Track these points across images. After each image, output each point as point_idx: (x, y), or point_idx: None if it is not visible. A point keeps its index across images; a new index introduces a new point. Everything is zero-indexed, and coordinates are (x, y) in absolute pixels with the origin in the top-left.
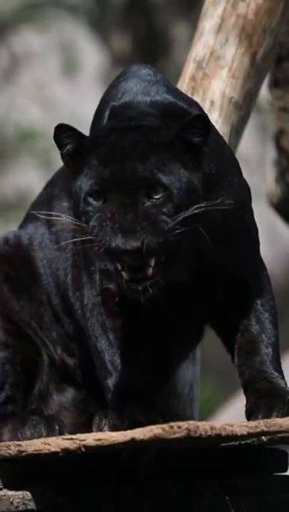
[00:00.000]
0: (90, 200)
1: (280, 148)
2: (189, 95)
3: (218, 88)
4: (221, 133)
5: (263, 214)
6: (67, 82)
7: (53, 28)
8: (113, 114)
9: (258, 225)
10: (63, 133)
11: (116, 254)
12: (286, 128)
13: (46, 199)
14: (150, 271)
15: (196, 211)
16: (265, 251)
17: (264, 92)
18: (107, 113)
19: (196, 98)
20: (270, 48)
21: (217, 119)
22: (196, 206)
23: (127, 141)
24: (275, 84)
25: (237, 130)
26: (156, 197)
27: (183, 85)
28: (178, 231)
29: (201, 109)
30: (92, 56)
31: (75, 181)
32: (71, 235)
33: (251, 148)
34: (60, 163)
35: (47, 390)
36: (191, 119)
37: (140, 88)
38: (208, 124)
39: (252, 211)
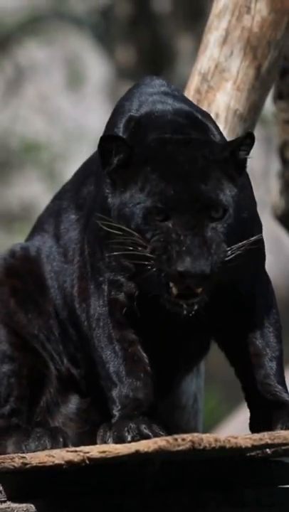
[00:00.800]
0: (151, 217)
1: (284, 161)
2: None
3: (223, 101)
4: None
5: (267, 226)
6: (71, 94)
7: (57, 40)
8: (138, 125)
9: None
10: (112, 143)
11: (183, 278)
12: None
13: (54, 211)
14: (200, 289)
15: (256, 238)
16: (270, 262)
17: (269, 104)
18: (122, 124)
19: None
20: (274, 60)
21: (222, 131)
22: (257, 236)
23: (186, 156)
24: (279, 97)
25: None
26: (218, 217)
27: (188, 98)
28: (237, 254)
29: (213, 121)
30: (97, 69)
31: (124, 193)
32: (79, 247)
33: (256, 160)
34: (65, 176)
35: (55, 403)
36: (245, 137)
37: (157, 98)
38: (254, 142)
39: (261, 225)
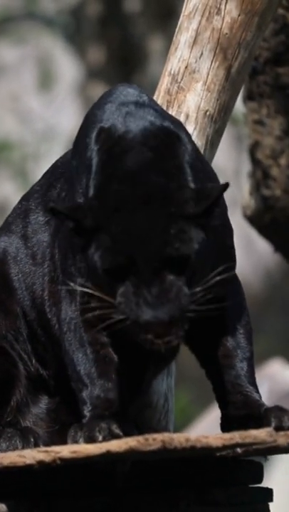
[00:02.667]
0: (109, 275)
1: (255, 161)
2: (164, 109)
3: (193, 101)
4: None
5: (238, 225)
6: (42, 94)
7: (28, 40)
8: (102, 140)
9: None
10: (59, 216)
11: (145, 328)
12: (261, 140)
13: (22, 212)
14: (175, 330)
15: (218, 278)
16: (241, 262)
17: (239, 104)
18: (94, 134)
19: (171, 112)
20: (245, 61)
21: (192, 132)
22: (216, 271)
23: (142, 218)
24: (249, 98)
25: (212, 143)
26: (179, 268)
27: (158, 99)
28: (202, 295)
29: (184, 129)
30: (68, 68)
31: (89, 248)
32: (49, 251)
33: (227, 160)
34: (37, 175)
35: (25, 402)
36: (222, 190)
37: (129, 110)
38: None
39: (232, 229)
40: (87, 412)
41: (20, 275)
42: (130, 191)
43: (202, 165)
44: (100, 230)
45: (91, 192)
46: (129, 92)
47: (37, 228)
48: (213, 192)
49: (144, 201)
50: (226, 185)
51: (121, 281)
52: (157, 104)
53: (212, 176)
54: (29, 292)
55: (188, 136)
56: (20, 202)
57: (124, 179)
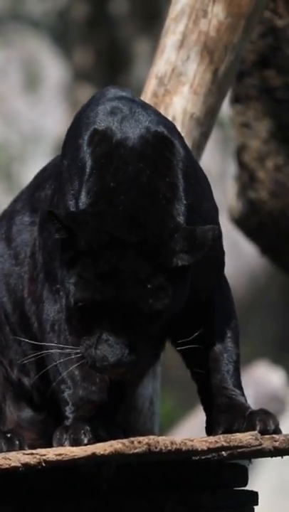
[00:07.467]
0: (81, 309)
1: (241, 164)
2: None
3: (180, 104)
4: None
5: (224, 228)
6: (28, 96)
7: (14, 42)
8: (95, 143)
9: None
10: (54, 221)
11: (100, 369)
12: (247, 143)
13: (8, 213)
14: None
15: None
16: (227, 265)
17: (225, 107)
18: (87, 136)
19: None
20: (231, 64)
21: None
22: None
23: (126, 264)
24: (236, 100)
25: (199, 146)
26: (148, 319)
27: (145, 101)
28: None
29: (177, 132)
30: (54, 70)
31: (72, 267)
32: (30, 249)
33: (212, 162)
34: (23, 177)
35: (4, 405)
36: (210, 241)
37: (124, 114)
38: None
39: (221, 234)
40: (69, 413)
41: (1, 276)
42: (125, 231)
43: (194, 170)
44: (87, 256)
45: (83, 199)
46: (121, 95)
47: (21, 229)
48: (205, 240)
49: (136, 247)
50: (216, 228)
51: (87, 315)
52: (150, 107)
53: (202, 181)
54: (11, 293)
55: (181, 138)
56: (9, 204)
57: (120, 217)
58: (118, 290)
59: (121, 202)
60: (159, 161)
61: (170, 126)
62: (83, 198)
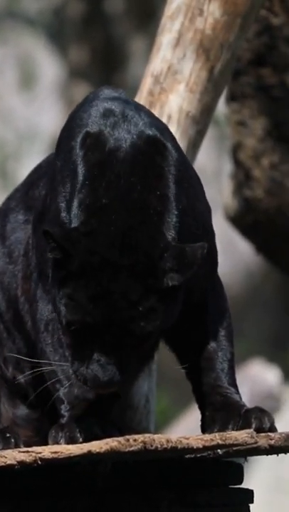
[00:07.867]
0: (73, 331)
1: (237, 162)
2: None
3: (176, 102)
4: None
5: (219, 226)
6: (24, 94)
7: (10, 40)
8: (87, 146)
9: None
10: (49, 240)
11: (88, 385)
12: (243, 141)
13: (2, 211)
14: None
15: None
16: (222, 263)
17: (221, 105)
18: (79, 138)
19: (154, 112)
20: (227, 62)
21: (174, 133)
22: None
23: (118, 286)
24: (232, 98)
25: (194, 144)
26: (139, 339)
27: (140, 100)
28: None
29: (169, 133)
30: (50, 68)
31: (59, 292)
32: (23, 247)
33: (208, 160)
34: (18, 175)
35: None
36: (200, 260)
37: (117, 118)
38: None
39: (214, 233)
40: (64, 411)
41: None
42: (116, 253)
43: (186, 172)
44: (79, 277)
45: (75, 211)
46: (114, 96)
47: (16, 227)
48: (194, 259)
49: (128, 268)
50: (205, 246)
51: (79, 336)
52: (143, 108)
53: (195, 183)
54: (5, 291)
55: (174, 140)
56: (3, 202)
57: (111, 237)
58: (109, 312)
59: (113, 221)
60: (150, 170)
61: (162, 127)
62: (75, 209)
